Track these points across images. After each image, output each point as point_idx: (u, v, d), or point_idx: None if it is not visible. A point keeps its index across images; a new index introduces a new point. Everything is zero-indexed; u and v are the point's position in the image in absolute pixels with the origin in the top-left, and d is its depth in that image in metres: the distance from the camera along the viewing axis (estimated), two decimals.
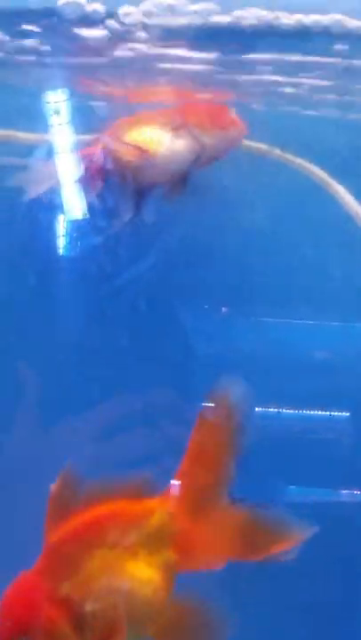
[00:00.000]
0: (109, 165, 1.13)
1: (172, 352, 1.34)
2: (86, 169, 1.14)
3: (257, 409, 1.37)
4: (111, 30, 1.00)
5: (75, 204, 1.21)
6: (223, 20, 0.98)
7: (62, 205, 1.23)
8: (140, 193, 1.14)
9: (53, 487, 0.90)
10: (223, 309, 1.38)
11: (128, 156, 1.12)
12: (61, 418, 1.26)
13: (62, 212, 1.26)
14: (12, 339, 1.30)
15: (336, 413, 1.37)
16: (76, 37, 1.01)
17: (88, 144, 1.16)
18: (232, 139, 1.12)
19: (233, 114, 1.13)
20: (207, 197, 1.29)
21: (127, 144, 1.12)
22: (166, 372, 1.33)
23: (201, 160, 1.11)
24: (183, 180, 1.13)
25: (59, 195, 1.22)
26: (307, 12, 1.01)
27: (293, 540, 0.86)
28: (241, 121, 1.13)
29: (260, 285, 1.37)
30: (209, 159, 1.12)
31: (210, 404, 0.84)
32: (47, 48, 1.07)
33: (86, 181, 1.13)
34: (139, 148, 1.11)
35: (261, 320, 1.39)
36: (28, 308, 1.31)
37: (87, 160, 1.14)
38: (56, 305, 1.32)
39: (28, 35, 1.02)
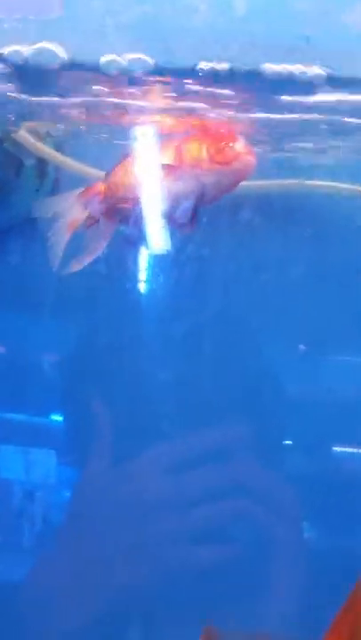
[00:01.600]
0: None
1: (252, 389, 1.34)
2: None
3: (338, 449, 1.35)
4: None
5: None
6: None
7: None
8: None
9: None
10: (301, 347, 1.37)
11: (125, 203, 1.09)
12: (138, 450, 1.27)
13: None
14: (95, 373, 1.32)
15: None
16: None
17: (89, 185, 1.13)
18: (237, 173, 1.03)
19: (239, 144, 1.03)
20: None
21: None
22: (245, 409, 1.32)
23: (205, 198, 1.04)
24: (190, 218, 1.10)
25: None
26: None
27: None
28: (248, 152, 1.03)
29: (341, 323, 1.35)
30: (214, 196, 1.05)
31: None
32: None
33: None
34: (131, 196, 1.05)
35: (342, 358, 1.38)
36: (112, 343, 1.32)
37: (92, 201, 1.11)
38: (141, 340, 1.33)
39: None
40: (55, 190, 1.17)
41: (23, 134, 1.07)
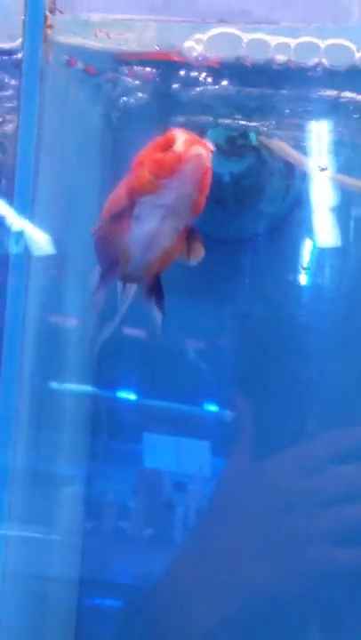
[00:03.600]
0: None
1: None
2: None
3: None
4: None
5: None
6: None
7: None
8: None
9: None
10: None
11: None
12: (280, 447, 1.26)
13: None
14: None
15: None
16: None
17: None
18: (190, 177, 0.89)
19: (178, 144, 0.89)
20: None
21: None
22: None
23: (183, 216, 0.93)
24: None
25: None
26: None
27: None
28: (191, 148, 0.89)
29: None
30: (191, 209, 0.92)
31: None
32: None
33: None
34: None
35: None
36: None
37: None
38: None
39: None
40: (299, 199, 1.19)
41: (278, 142, 1.06)
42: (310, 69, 0.92)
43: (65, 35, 0.95)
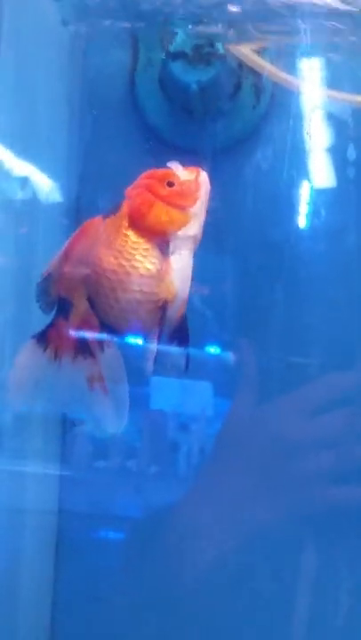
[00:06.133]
0: None
1: None
2: None
3: None
4: None
5: None
6: None
7: None
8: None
9: None
10: None
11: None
12: (274, 392, 1.27)
13: None
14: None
15: None
16: None
17: None
18: (205, 200, 0.89)
19: (183, 174, 0.88)
20: None
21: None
22: None
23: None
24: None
25: None
26: None
27: None
28: (194, 169, 0.89)
29: None
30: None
31: None
32: None
33: None
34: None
35: None
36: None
37: None
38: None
39: None
40: (270, 108, 1.17)
41: (244, 50, 1.06)
42: None
43: None
